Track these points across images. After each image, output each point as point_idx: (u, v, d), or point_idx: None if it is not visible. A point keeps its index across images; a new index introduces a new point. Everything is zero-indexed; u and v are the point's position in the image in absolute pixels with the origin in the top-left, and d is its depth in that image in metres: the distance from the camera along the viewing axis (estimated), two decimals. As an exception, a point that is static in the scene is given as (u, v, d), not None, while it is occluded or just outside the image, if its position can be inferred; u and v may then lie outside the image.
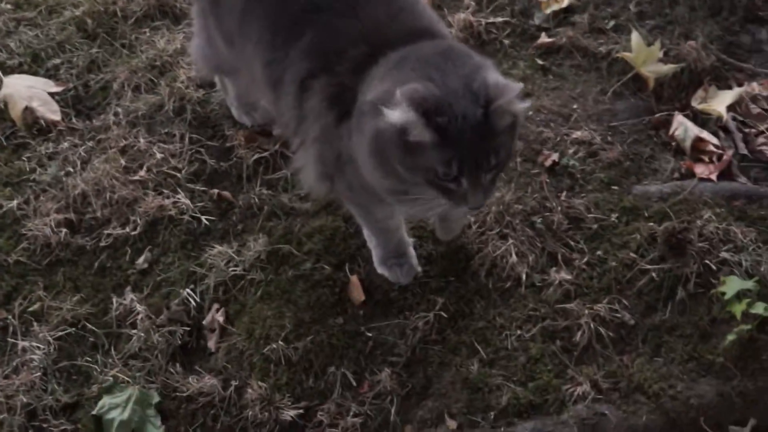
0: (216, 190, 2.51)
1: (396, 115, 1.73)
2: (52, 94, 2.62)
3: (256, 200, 2.49)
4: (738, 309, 2.23)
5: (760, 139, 2.70)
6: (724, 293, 2.27)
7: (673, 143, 2.68)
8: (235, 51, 2.24)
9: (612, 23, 2.93)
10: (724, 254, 2.37)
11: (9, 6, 2.84)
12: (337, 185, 2.15)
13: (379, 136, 1.81)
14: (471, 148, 1.75)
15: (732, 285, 2.28)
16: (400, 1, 2.04)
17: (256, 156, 2.57)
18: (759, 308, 2.23)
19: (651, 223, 2.45)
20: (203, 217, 2.46)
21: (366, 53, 1.94)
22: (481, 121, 1.73)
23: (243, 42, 2.17)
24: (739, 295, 2.26)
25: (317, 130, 2.07)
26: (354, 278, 2.37)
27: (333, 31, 2.00)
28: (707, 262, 2.36)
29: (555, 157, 2.61)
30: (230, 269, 2.35)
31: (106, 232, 2.41)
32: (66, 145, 2.56)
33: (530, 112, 2.67)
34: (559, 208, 2.49)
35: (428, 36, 1.94)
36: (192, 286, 2.34)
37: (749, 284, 2.27)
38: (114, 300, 2.32)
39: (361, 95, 1.90)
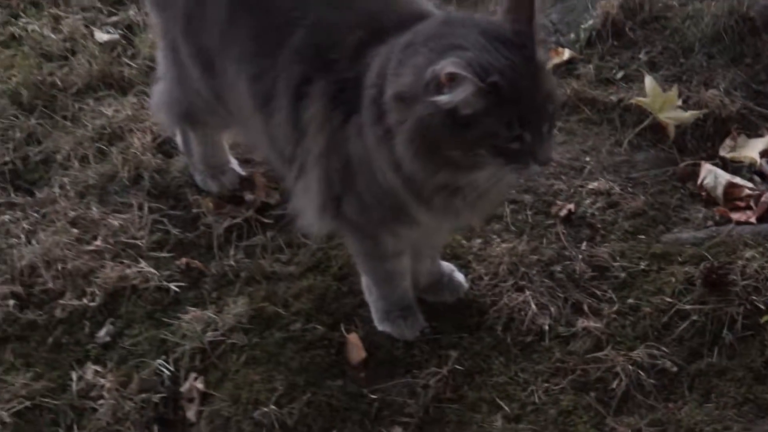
0: (184, 259, 2.98)
1: (445, 97, 2.21)
2: (-15, 170, 3.14)
3: (233, 266, 2.97)
4: (792, 334, 2.72)
5: (801, 184, 3.28)
6: (774, 321, 2.77)
7: (703, 193, 3.22)
8: (214, 77, 2.77)
9: (621, 74, 3.55)
10: (772, 294, 2.88)
11: (-68, 80, 3.42)
12: (345, 209, 2.58)
13: (423, 128, 2.25)
14: (526, 98, 2.23)
15: (784, 311, 2.78)
16: None
17: (226, 223, 3.07)
18: (816, 334, 2.73)
19: (686, 268, 2.97)
20: (171, 285, 2.91)
21: (362, 39, 2.45)
22: (526, 67, 2.23)
23: (224, 61, 2.70)
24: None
25: (321, 143, 2.53)
26: (352, 336, 2.81)
27: (325, 25, 2.51)
28: (754, 299, 2.86)
29: (571, 207, 3.14)
30: (207, 335, 2.79)
31: (61, 302, 2.87)
32: (7, 218, 3.03)
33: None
34: (581, 257, 2.99)
35: (425, 18, 2.50)
36: (164, 357, 2.78)
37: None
38: (73, 375, 2.75)
39: (370, 89, 2.38)
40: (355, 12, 2.51)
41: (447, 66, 2.18)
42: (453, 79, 2.19)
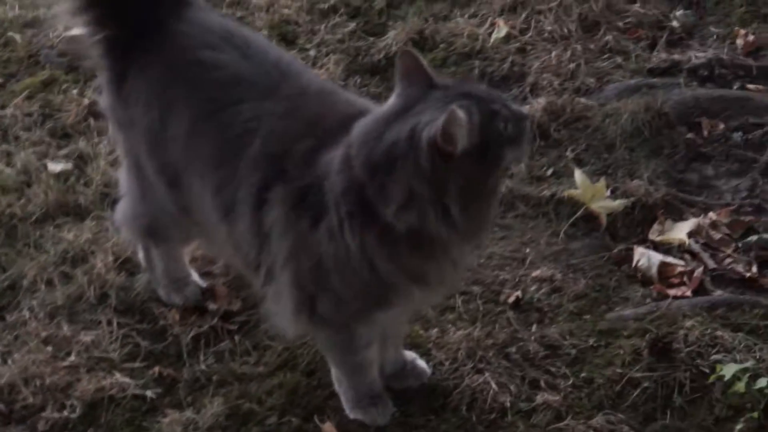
0: (157, 368, 3.25)
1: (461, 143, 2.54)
2: (-48, 300, 3.40)
3: (204, 370, 3.23)
4: (740, 387, 3.06)
5: (728, 260, 3.66)
6: (722, 376, 3.10)
7: (639, 274, 3.58)
8: (180, 190, 3.06)
9: (551, 170, 3.92)
10: (715, 356, 3.22)
11: None
12: (320, 307, 2.84)
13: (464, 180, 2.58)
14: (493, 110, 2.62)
15: (729, 368, 3.11)
16: (334, 95, 2.95)
17: (193, 332, 3.35)
18: (762, 383, 3.07)
19: (632, 341, 3.30)
20: (147, 392, 3.17)
21: (311, 147, 2.77)
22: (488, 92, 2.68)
23: (189, 175, 3.00)
24: (739, 377, 3.10)
25: (287, 248, 2.80)
26: (327, 425, 3.08)
27: (277, 135, 2.82)
28: (699, 363, 3.20)
29: (518, 293, 3.48)
30: (188, 435, 3.06)
31: (43, 416, 3.11)
32: (-19, 342, 3.30)
33: (481, 260, 3.56)
34: (533, 338, 3.31)
35: (364, 115, 2.76)
36: (147, 459, 3.03)
37: (747, 364, 3.12)
38: (62, 484, 2.99)
39: (343, 193, 2.66)
40: (300, 120, 2.84)
41: (430, 129, 2.54)
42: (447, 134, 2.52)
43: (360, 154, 2.65)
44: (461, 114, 2.51)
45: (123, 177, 3.31)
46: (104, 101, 3.24)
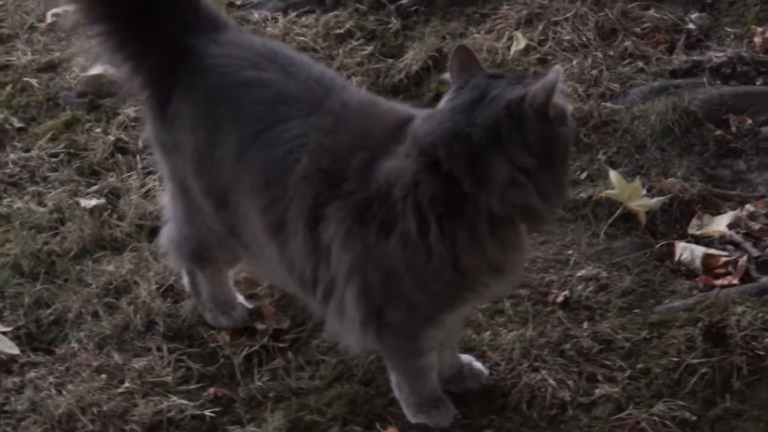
0: (212, 389, 3.35)
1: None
2: (3, 333, 3.50)
3: (260, 388, 3.32)
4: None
5: (770, 248, 3.79)
6: (780, 355, 3.23)
7: (683, 268, 3.71)
8: (227, 211, 3.14)
9: (584, 174, 4.06)
10: (770, 339, 3.35)
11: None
12: (389, 317, 2.95)
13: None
14: None
15: (787, 345, 3.25)
16: (376, 106, 3.07)
17: (245, 353, 3.46)
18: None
19: (685, 330, 3.42)
20: (206, 412, 3.27)
21: (365, 159, 2.88)
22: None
23: (237, 195, 3.10)
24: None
25: (350, 262, 2.89)
26: (391, 429, 3.20)
27: (326, 150, 2.95)
28: (754, 346, 3.32)
29: (566, 293, 3.60)
30: (253, 449, 3.16)
31: (102, 442, 3.21)
32: (32, 375, 3.36)
33: (526, 264, 3.68)
34: (585, 335, 3.44)
35: (411, 121, 2.89)
36: (215, 478, 3.13)
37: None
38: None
39: (409, 202, 2.78)
40: (348, 134, 2.95)
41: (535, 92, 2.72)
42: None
43: (448, 151, 2.76)
44: (557, 84, 2.70)
45: (167, 203, 3.42)
46: (148, 129, 3.36)
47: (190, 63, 3.18)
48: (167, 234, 3.44)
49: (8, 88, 4.51)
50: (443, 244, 2.81)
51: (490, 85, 2.79)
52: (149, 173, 4.08)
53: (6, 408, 3.31)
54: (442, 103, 2.85)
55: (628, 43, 4.58)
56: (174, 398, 3.28)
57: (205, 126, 3.14)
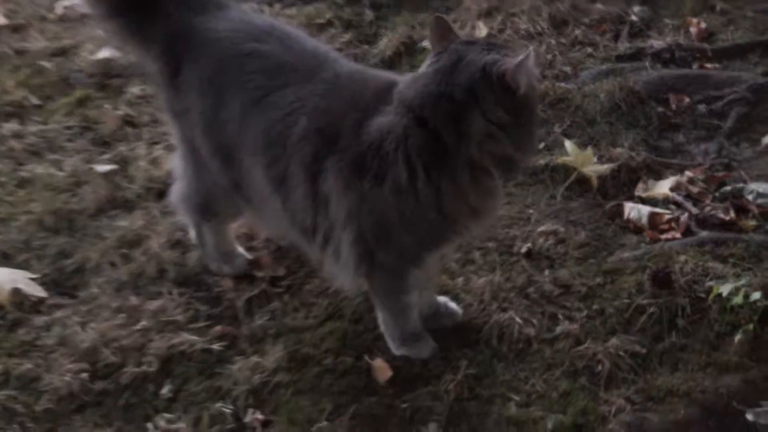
0: (218, 327, 3.46)
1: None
2: (31, 279, 3.60)
3: (261, 325, 3.44)
4: (738, 299, 3.32)
5: (708, 208, 3.94)
6: (720, 294, 3.37)
7: (631, 225, 3.84)
8: (232, 167, 3.24)
9: (542, 144, 4.20)
10: (709, 283, 3.48)
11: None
12: (379, 258, 3.07)
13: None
14: None
15: (726, 287, 3.36)
16: (364, 73, 3.20)
17: (245, 296, 3.57)
18: (756, 296, 3.33)
19: (635, 276, 3.55)
20: (214, 346, 3.38)
21: (358, 118, 2.99)
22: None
23: (241, 153, 3.20)
24: (734, 293, 3.37)
25: (346, 209, 3.01)
26: (378, 361, 3.30)
27: (322, 110, 3.05)
28: (696, 289, 3.45)
29: (529, 245, 3.73)
30: (256, 377, 3.25)
31: (124, 371, 3.31)
32: (59, 314, 3.48)
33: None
34: (547, 280, 3.57)
35: (396, 85, 3.00)
36: (222, 401, 3.23)
37: (741, 282, 3.39)
38: (149, 426, 3.18)
39: (398, 152, 2.90)
40: (340, 97, 3.07)
41: (503, 63, 2.84)
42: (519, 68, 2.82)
43: (432, 108, 2.89)
44: (529, 53, 2.83)
45: (177, 163, 3.53)
46: (160, 97, 3.46)
47: (197, 38, 3.28)
48: (177, 191, 3.54)
49: (25, 70, 4.57)
50: (429, 189, 2.93)
51: (466, 50, 2.92)
52: (154, 143, 4.18)
53: (37, 342, 3.40)
54: (424, 67, 2.97)
55: (578, 32, 4.72)
56: (185, 335, 3.39)
57: (212, 92, 3.24)
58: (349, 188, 3.01)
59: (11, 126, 4.26)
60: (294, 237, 3.32)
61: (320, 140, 3.05)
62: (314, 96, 3.09)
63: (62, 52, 4.72)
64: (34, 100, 4.43)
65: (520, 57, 2.81)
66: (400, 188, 2.93)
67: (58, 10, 4.88)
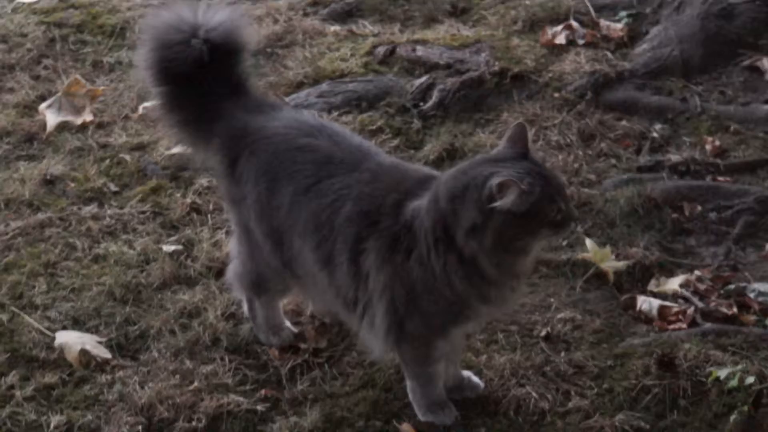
0: (263, 391, 3.62)
1: (501, 202, 2.95)
2: (99, 342, 3.80)
3: (301, 390, 3.59)
4: (734, 383, 3.44)
5: (713, 303, 4.08)
6: (718, 377, 3.49)
7: (642, 316, 3.98)
8: (283, 249, 3.43)
9: (565, 242, 4.35)
10: (710, 369, 3.60)
11: (44, 287, 4.11)
12: (408, 326, 3.24)
13: (502, 233, 3.01)
14: (552, 182, 3.07)
15: (723, 371, 3.49)
16: (405, 165, 3.43)
17: (290, 365, 3.74)
18: (750, 380, 3.44)
19: (642, 360, 3.67)
20: (258, 407, 3.54)
21: (397, 200, 3.22)
22: (538, 165, 3.10)
23: (291, 236, 3.39)
24: (731, 377, 3.49)
25: (383, 281, 3.19)
26: (405, 425, 3.44)
27: (366, 196, 3.27)
28: (698, 373, 3.57)
29: (548, 329, 3.88)
30: (295, 437, 3.43)
31: (176, 425, 3.48)
32: (122, 374, 3.66)
33: (516, 308, 3.96)
34: (563, 361, 3.71)
35: (433, 178, 3.23)
36: (264, 456, 3.39)
37: (738, 368, 3.51)
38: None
39: (428, 232, 3.09)
40: (385, 183, 3.28)
41: (495, 179, 2.96)
42: (502, 188, 2.96)
43: (445, 189, 3.10)
44: (519, 186, 2.97)
45: (233, 244, 3.75)
46: (220, 187, 3.71)
47: (252, 134, 3.52)
48: (232, 269, 3.74)
49: (107, 161, 4.82)
50: (440, 265, 3.13)
51: (511, 158, 3.12)
52: (218, 228, 4.37)
53: (100, 397, 3.58)
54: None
55: (603, 144, 4.88)
56: (233, 396, 3.56)
57: (266, 180, 3.46)
58: (385, 263, 3.20)
59: (90, 209, 4.49)
60: (337, 308, 3.49)
61: (363, 222, 3.25)
62: (359, 183, 3.30)
63: (141, 147, 4.95)
64: (113, 188, 4.66)
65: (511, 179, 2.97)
66: (422, 260, 3.12)
67: (140, 110, 5.12)
